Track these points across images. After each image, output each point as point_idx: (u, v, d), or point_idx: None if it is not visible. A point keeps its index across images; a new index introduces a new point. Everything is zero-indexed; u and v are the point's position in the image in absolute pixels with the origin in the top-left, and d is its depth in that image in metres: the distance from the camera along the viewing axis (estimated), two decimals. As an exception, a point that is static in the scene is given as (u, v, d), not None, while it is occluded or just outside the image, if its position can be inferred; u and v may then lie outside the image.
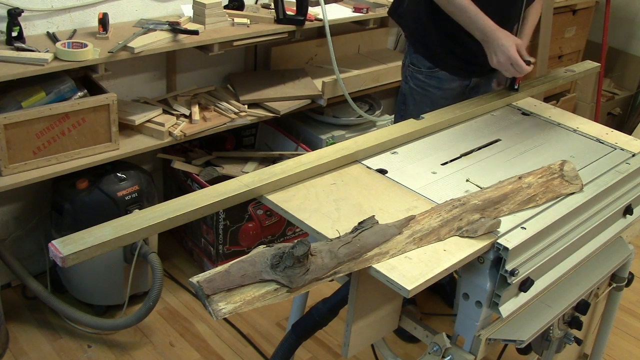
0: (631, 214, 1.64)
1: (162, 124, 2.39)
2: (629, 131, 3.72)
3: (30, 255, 2.57)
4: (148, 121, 2.41)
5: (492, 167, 1.60)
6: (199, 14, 2.44)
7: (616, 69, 4.19)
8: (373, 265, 1.19)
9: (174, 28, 2.31)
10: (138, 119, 2.37)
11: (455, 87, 2.17)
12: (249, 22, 2.53)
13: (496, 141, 1.75)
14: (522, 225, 1.34)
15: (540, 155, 1.67)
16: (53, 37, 2.23)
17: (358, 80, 2.95)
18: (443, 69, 2.12)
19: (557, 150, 1.71)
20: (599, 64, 2.34)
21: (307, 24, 2.67)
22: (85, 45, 2.09)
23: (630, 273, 1.88)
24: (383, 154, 1.62)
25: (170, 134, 2.41)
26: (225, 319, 2.51)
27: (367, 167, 1.55)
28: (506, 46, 1.81)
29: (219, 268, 1.10)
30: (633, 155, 1.71)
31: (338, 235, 1.23)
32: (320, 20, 2.70)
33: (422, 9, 2.05)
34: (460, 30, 1.95)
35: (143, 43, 2.20)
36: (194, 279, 1.07)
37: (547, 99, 3.59)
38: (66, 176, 2.22)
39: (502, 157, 1.67)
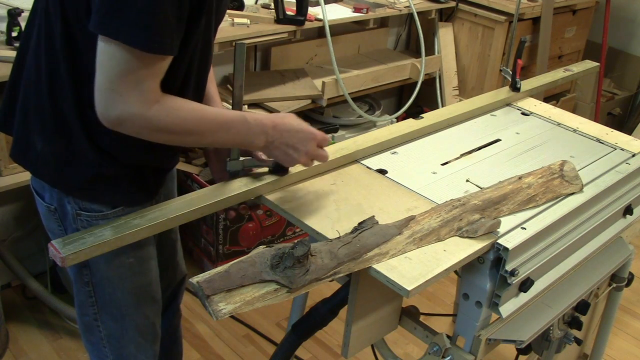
0: (631, 214, 1.64)
1: (162, 124, 2.39)
2: (629, 131, 3.72)
3: (30, 255, 2.57)
4: (148, 121, 2.40)
5: (492, 167, 1.60)
6: (199, 14, 2.44)
7: (616, 69, 4.18)
8: (373, 266, 1.19)
9: (174, 28, 2.31)
10: (138, 119, 2.36)
11: None
12: (249, 22, 2.53)
13: (496, 141, 1.75)
14: (522, 226, 1.33)
15: (540, 155, 1.67)
16: (53, 37, 2.23)
17: (358, 80, 2.95)
18: (130, 203, 1.33)
19: (557, 150, 1.71)
20: (597, 64, 2.34)
21: (307, 24, 2.67)
22: (85, 45, 2.09)
23: (630, 273, 1.88)
24: (383, 153, 1.62)
25: (170, 134, 2.40)
26: (226, 319, 2.50)
27: (367, 167, 1.55)
28: (307, 128, 1.33)
29: (219, 268, 1.10)
30: (633, 156, 1.71)
31: (338, 236, 1.23)
32: (320, 20, 2.70)
33: (77, 136, 1.24)
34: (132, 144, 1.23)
35: (143, 43, 2.20)
36: (194, 279, 1.07)
37: (547, 99, 3.58)
38: (66, 176, 2.22)
39: (502, 157, 1.66)
